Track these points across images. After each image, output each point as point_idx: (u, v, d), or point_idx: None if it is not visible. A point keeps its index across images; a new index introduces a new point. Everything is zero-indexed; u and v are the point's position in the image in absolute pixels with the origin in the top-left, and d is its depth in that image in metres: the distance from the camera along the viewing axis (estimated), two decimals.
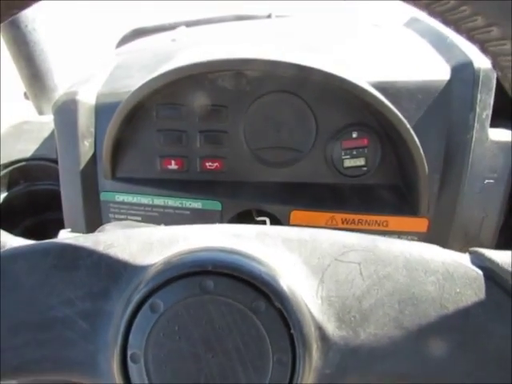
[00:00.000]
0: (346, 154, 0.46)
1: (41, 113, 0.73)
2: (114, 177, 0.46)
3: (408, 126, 0.41)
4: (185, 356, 0.18)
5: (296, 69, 0.41)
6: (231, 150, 0.46)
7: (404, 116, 0.41)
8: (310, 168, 0.47)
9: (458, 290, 0.19)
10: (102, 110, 0.45)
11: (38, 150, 0.57)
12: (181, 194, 0.46)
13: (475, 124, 0.42)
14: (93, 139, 0.46)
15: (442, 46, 0.47)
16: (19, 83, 0.74)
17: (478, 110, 0.41)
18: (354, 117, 0.45)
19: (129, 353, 0.18)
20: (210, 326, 0.18)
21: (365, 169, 0.46)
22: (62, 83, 0.72)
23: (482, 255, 0.20)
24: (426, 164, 0.41)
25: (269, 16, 0.95)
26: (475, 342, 0.19)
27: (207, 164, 0.46)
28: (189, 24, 0.91)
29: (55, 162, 0.56)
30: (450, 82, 0.42)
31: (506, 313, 0.19)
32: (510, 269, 0.19)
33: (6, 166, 0.56)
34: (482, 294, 0.19)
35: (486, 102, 0.41)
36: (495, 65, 0.16)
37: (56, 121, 0.45)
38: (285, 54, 0.42)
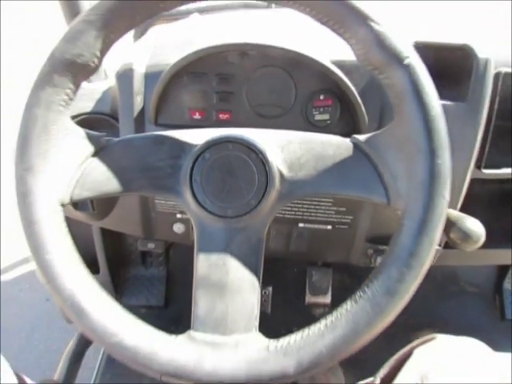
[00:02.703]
0: (316, 111, 0.66)
1: (89, 81, 0.93)
2: (156, 123, 0.67)
3: (354, 91, 0.61)
4: (218, 179, 0.42)
5: (283, 51, 0.61)
6: (237, 105, 0.66)
7: (353, 84, 0.61)
8: (291, 120, 0.67)
9: (341, 152, 0.42)
10: (150, 76, 0.65)
11: (94, 106, 0.78)
12: None
13: None
14: (143, 96, 0.66)
15: None
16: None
17: None
18: (321, 84, 0.65)
19: (193, 178, 0.41)
20: (230, 165, 0.41)
21: (329, 122, 0.66)
22: None
23: (355, 138, 0.43)
24: (366, 117, 0.62)
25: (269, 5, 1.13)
26: (350, 175, 0.41)
27: (220, 115, 0.67)
28: (201, 10, 1.10)
29: (109, 115, 0.77)
30: None
31: (359, 159, 0.41)
32: (362, 139, 0.41)
33: (73, 118, 0.77)
34: (350, 152, 0.42)
35: None
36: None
37: (118, 83, 0.66)
38: (276, 39, 0.63)
